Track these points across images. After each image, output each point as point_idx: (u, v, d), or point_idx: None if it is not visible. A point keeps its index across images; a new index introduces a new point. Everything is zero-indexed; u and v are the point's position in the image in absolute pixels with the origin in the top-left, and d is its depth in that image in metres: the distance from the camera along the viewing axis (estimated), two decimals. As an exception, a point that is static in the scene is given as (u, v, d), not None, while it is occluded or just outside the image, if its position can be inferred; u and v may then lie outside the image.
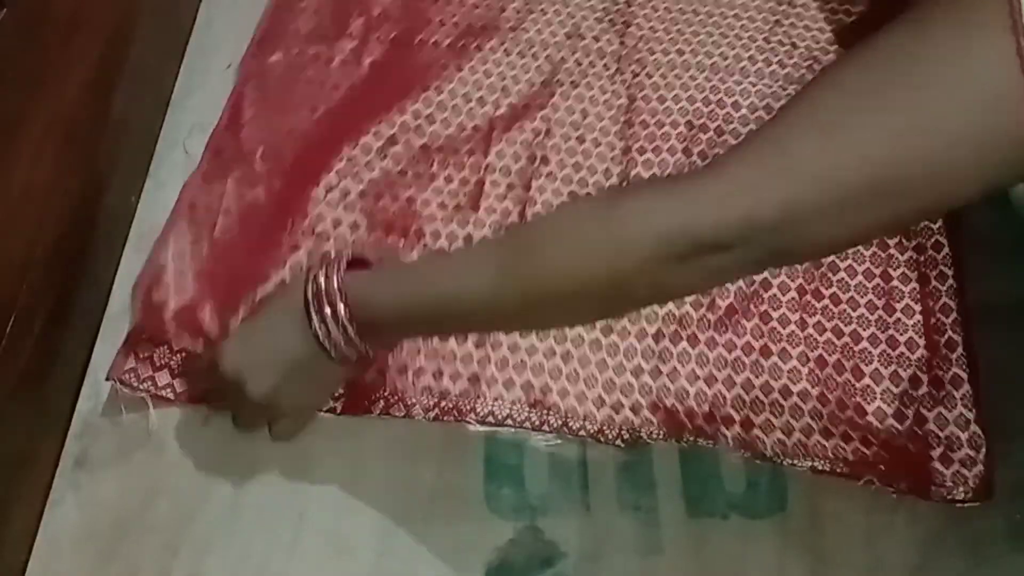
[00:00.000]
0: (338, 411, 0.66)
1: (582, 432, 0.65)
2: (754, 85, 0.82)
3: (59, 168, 0.67)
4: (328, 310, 0.55)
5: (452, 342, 0.68)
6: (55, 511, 0.63)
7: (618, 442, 0.65)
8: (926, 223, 0.73)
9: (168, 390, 0.67)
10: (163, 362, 0.68)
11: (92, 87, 0.72)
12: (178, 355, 0.68)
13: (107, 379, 0.66)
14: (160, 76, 0.84)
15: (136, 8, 0.79)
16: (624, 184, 0.73)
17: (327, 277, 0.55)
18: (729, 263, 0.46)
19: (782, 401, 0.66)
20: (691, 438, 0.65)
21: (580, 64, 0.84)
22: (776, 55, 0.84)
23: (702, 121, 0.80)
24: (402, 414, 0.66)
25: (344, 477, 0.65)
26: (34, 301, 0.63)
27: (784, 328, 0.69)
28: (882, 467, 0.63)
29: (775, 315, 0.70)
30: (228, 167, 0.76)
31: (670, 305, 0.70)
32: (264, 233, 0.73)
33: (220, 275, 0.71)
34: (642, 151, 0.78)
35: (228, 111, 0.80)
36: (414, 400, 0.66)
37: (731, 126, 0.79)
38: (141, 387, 0.67)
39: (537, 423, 0.66)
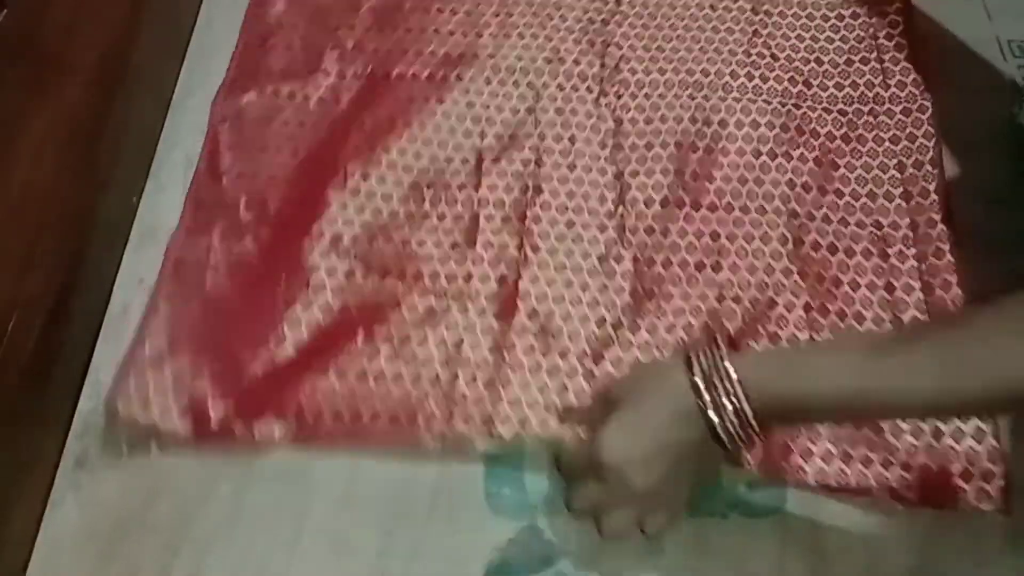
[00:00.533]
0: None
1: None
2: (738, 101, 0.81)
3: (60, 168, 0.67)
4: (724, 399, 0.52)
5: (461, 384, 0.67)
6: (56, 511, 0.63)
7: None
8: (926, 230, 0.73)
9: (171, 427, 0.64)
10: (164, 401, 0.65)
11: (93, 88, 0.71)
12: (178, 393, 0.66)
13: (105, 418, 0.64)
14: (161, 77, 0.83)
15: (137, 8, 0.78)
16: None
17: (714, 362, 0.53)
18: None
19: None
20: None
21: (563, 88, 0.82)
22: (757, 68, 0.84)
23: (691, 140, 0.79)
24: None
25: (344, 477, 0.64)
26: (34, 301, 0.63)
27: (794, 348, 0.68)
28: (904, 491, 0.62)
29: (783, 335, 0.69)
30: (212, 219, 0.74)
31: (679, 331, 0.69)
32: (257, 288, 0.70)
33: (214, 336, 0.68)
34: (634, 174, 0.77)
35: (205, 158, 0.78)
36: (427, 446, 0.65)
37: (720, 144, 0.79)
38: (142, 424, 0.64)
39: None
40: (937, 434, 0.64)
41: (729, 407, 0.52)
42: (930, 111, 0.80)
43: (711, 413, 0.52)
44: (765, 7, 0.88)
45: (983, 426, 0.64)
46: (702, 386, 0.53)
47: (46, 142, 0.65)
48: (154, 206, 0.76)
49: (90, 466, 0.64)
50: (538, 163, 0.78)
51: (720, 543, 0.62)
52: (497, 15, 0.87)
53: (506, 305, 0.70)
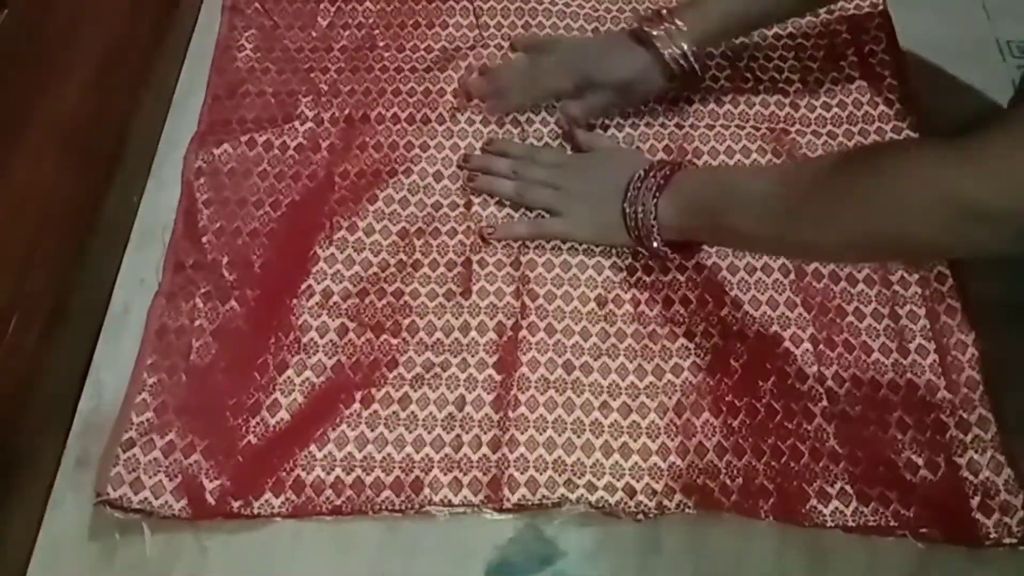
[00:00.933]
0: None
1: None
2: (726, 128, 0.80)
3: (60, 168, 0.67)
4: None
5: (466, 447, 0.64)
6: (56, 511, 0.62)
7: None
8: None
9: (165, 508, 0.61)
10: (156, 480, 0.62)
11: (93, 87, 0.71)
12: (170, 469, 0.63)
13: (96, 502, 0.61)
14: (161, 76, 0.82)
15: (137, 9, 0.78)
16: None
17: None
18: (989, 237, 0.50)
19: (813, 465, 0.64)
20: (729, 514, 0.62)
21: (547, 123, 0.80)
22: (742, 93, 0.82)
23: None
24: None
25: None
26: (34, 301, 0.62)
27: (803, 384, 0.67)
28: (924, 530, 0.61)
29: (791, 371, 0.68)
30: (193, 282, 0.70)
31: (686, 373, 0.67)
32: (246, 353, 0.67)
33: (204, 407, 0.65)
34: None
35: (181, 217, 0.74)
36: (434, 512, 0.63)
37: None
38: (135, 506, 0.61)
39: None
40: (953, 468, 0.63)
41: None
42: (920, 129, 0.79)
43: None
44: (746, 28, 0.86)
45: (1000, 457, 0.63)
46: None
47: (46, 142, 0.65)
48: (155, 206, 0.75)
49: (90, 466, 0.63)
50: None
51: (720, 543, 0.61)
52: (472, 48, 0.85)
53: (507, 357, 0.68)
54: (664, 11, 0.72)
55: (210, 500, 0.61)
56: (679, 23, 0.71)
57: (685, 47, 0.71)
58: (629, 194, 0.67)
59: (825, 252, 0.65)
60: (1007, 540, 0.60)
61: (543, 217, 0.73)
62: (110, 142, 0.74)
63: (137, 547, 0.61)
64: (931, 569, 0.61)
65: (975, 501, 0.62)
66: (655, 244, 0.67)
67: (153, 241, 0.73)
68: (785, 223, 0.59)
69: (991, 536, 0.61)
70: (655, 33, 0.71)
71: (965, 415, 0.65)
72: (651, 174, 0.67)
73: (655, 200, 0.65)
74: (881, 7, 0.87)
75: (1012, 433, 0.64)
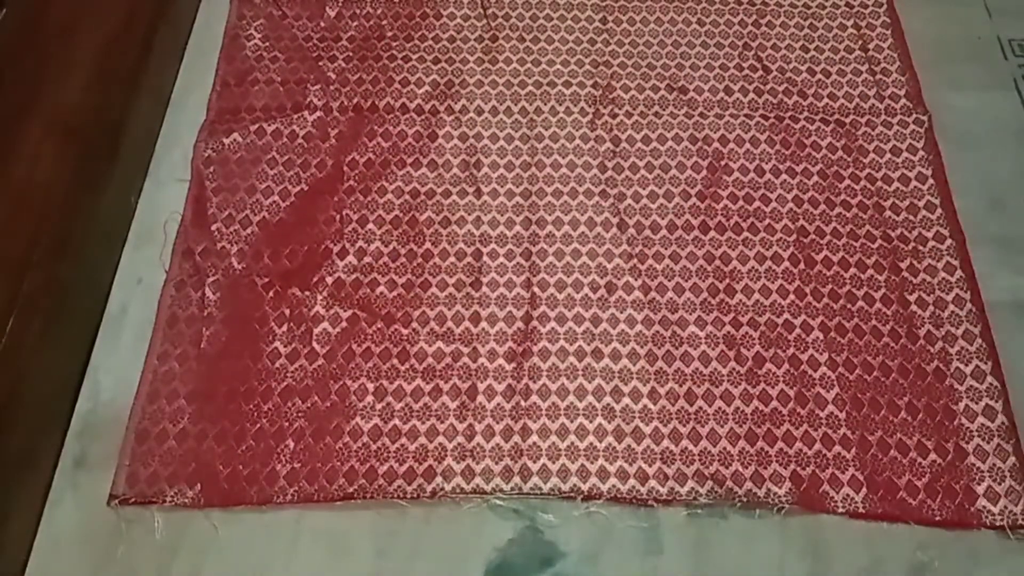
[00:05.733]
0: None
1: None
2: (735, 117, 0.80)
3: (59, 167, 0.67)
4: None
5: (479, 436, 0.64)
6: (55, 510, 0.62)
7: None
8: (935, 244, 0.72)
9: (178, 496, 0.62)
10: (170, 470, 0.62)
11: (91, 87, 0.71)
12: (184, 457, 0.63)
13: (108, 504, 0.61)
14: (159, 76, 0.82)
15: (135, 9, 0.78)
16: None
17: None
18: None
19: (826, 452, 0.64)
20: (742, 502, 0.62)
21: (556, 113, 0.80)
22: (751, 82, 0.82)
23: (693, 160, 0.77)
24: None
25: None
26: (34, 301, 0.62)
27: (815, 371, 0.67)
28: (931, 514, 0.62)
29: (804, 357, 0.68)
30: (202, 270, 0.70)
31: (696, 363, 0.67)
32: (256, 341, 0.67)
33: (216, 395, 0.65)
34: (637, 198, 0.75)
35: (190, 205, 0.74)
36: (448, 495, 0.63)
37: (723, 162, 0.77)
38: (147, 500, 0.61)
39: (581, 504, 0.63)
40: (961, 454, 0.63)
41: None
42: (927, 124, 0.79)
43: None
44: (753, 18, 0.87)
45: (1006, 445, 0.64)
46: None
47: (45, 141, 0.65)
48: (153, 205, 0.75)
49: (89, 466, 0.63)
50: (538, 193, 0.75)
51: (720, 543, 0.61)
52: (481, 40, 0.85)
53: (517, 347, 0.68)
54: None
55: (224, 485, 0.61)
56: None
57: None
58: None
59: None
60: (1008, 523, 0.61)
61: None
62: (108, 142, 0.73)
63: (134, 547, 0.60)
64: (931, 570, 0.61)
65: (981, 487, 0.62)
66: None
67: (151, 241, 0.72)
68: None
69: (996, 523, 0.61)
70: None
71: (971, 403, 0.65)
72: None
73: None
74: (885, 5, 0.87)
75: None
